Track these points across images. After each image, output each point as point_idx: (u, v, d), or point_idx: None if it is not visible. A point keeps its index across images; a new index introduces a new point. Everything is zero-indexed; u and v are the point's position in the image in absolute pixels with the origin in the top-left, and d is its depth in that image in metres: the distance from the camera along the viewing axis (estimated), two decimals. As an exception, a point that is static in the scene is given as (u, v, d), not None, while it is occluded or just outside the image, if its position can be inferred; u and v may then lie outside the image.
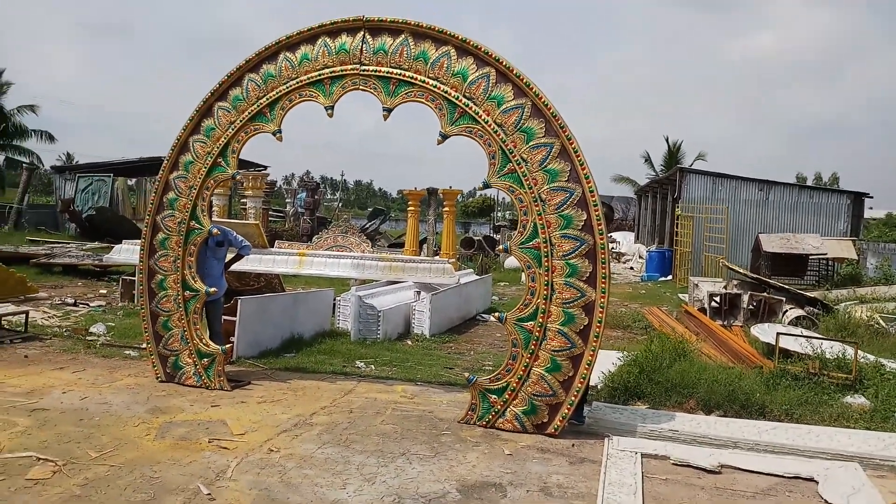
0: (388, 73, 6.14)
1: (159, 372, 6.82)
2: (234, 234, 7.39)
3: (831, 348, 8.14)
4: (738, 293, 13.13)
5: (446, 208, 16.06)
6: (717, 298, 13.21)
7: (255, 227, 12.20)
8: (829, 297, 14.37)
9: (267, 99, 6.52)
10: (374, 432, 5.49)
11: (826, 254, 17.02)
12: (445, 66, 5.96)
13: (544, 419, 5.68)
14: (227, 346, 6.77)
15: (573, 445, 5.45)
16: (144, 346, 7.13)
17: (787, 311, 12.69)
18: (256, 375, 7.24)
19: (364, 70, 6.21)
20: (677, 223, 22.40)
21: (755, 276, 14.44)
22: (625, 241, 37.83)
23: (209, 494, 4.21)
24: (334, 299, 10.52)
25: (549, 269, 5.64)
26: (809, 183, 52.73)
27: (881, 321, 12.07)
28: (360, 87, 6.26)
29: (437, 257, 16.88)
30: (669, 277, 22.23)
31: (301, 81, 6.42)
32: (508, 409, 5.75)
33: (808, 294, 13.43)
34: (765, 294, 13.08)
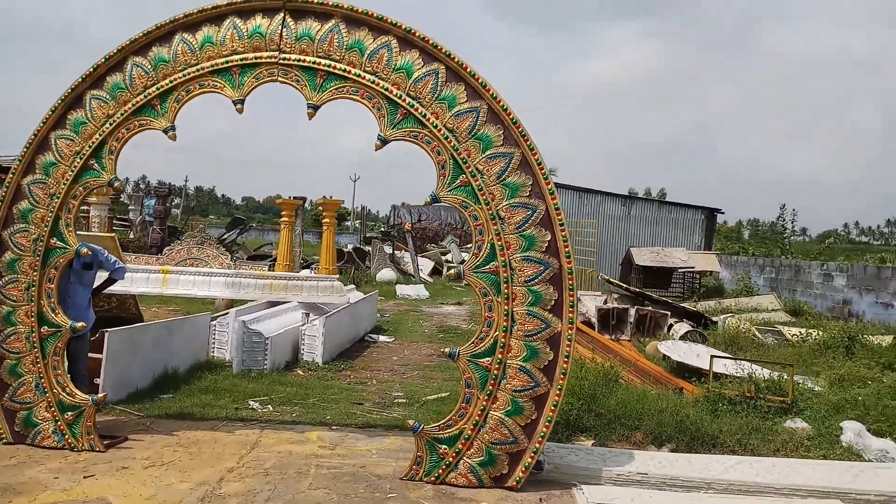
0: (314, 63, 5.15)
1: (4, 431, 5.33)
2: (106, 253, 6.03)
3: (751, 368, 8.06)
4: (625, 307, 13.11)
5: (326, 220, 14.91)
6: (601, 313, 13.12)
7: (111, 240, 10.48)
8: (697, 308, 14.81)
9: (158, 88, 5.30)
10: (306, 502, 4.47)
11: (693, 267, 17.70)
12: (385, 58, 5.08)
13: (504, 470, 4.92)
14: (101, 395, 5.42)
15: (541, 500, 4.74)
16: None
17: (671, 324, 12.85)
18: (132, 427, 5.91)
19: (284, 59, 5.19)
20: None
21: (638, 290, 14.60)
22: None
23: None
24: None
25: (508, 296, 4.91)
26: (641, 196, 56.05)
27: (757, 333, 12.51)
28: (280, 79, 5.22)
29: (314, 274, 15.70)
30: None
31: (203, 69, 5.27)
32: (462, 461, 4.93)
33: (690, 308, 13.72)
34: (649, 308, 13.19)
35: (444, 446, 4.95)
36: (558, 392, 4.88)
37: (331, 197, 15.48)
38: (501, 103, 4.98)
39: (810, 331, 11.93)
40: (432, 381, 8.46)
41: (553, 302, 4.91)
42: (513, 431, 4.89)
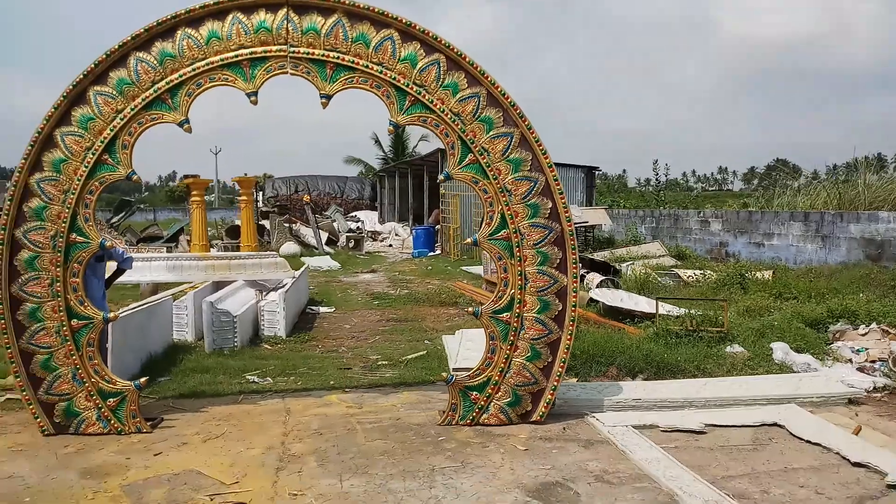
0: (323, 55, 5.51)
1: (44, 424, 5.43)
2: (116, 246, 6.12)
3: (687, 307, 9.26)
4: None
5: (244, 197, 14.86)
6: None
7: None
8: (596, 258, 16.19)
9: (167, 83, 5.46)
10: (375, 452, 5.00)
11: (587, 221, 19.14)
12: (390, 50, 5.53)
13: (528, 408, 5.67)
14: (143, 380, 5.62)
15: (564, 429, 5.53)
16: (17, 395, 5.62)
17: (583, 275, 14.06)
18: (155, 408, 6.13)
19: (294, 52, 5.51)
20: (444, 201, 23.46)
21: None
22: (368, 220, 38.50)
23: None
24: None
25: (520, 258, 5.60)
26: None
27: (657, 277, 13.98)
28: (290, 72, 5.54)
29: (255, 252, 15.61)
30: (438, 252, 23.36)
31: (212, 63, 5.48)
32: (492, 404, 5.63)
33: (597, 259, 15.01)
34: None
35: (475, 392, 5.62)
36: (569, 337, 5.66)
37: (247, 173, 15.38)
38: (499, 88, 5.59)
39: (705, 271, 13.53)
40: (398, 344, 9.04)
41: (558, 260, 5.65)
42: (533, 374, 5.63)
